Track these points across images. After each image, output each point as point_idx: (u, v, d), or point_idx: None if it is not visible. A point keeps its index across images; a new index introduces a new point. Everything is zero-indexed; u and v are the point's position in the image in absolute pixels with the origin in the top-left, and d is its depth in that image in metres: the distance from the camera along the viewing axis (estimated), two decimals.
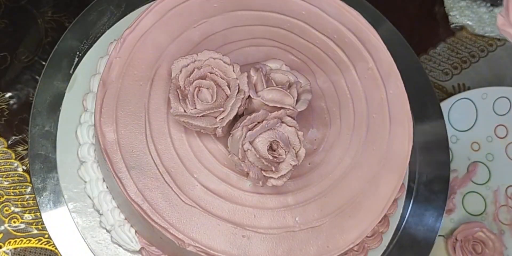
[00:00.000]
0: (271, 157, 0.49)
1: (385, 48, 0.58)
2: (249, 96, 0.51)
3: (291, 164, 0.49)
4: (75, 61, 0.64)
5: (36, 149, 0.62)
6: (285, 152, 0.50)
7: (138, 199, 0.50)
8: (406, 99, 0.58)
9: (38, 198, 0.61)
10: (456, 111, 0.77)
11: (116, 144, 0.51)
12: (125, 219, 0.58)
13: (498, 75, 0.81)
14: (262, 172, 0.49)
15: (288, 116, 0.50)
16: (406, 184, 0.67)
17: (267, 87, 0.51)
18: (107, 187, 0.59)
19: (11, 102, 0.71)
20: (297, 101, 0.52)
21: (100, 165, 0.59)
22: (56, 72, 0.64)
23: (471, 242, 0.71)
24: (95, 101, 0.53)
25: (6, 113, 0.70)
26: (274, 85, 0.52)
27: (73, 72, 0.63)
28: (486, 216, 0.75)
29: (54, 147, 0.61)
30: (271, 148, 0.50)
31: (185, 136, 0.53)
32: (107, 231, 0.59)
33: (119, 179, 0.50)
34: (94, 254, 0.59)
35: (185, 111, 0.50)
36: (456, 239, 0.71)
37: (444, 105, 0.76)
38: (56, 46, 0.64)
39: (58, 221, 0.60)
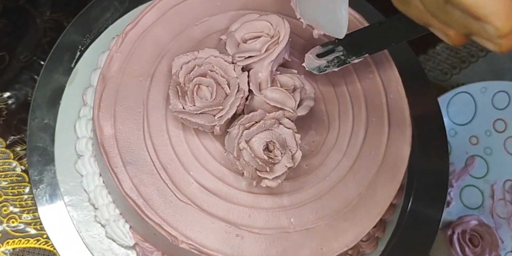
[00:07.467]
0: (266, 158, 0.49)
1: (387, 52, 0.58)
2: (248, 95, 0.51)
3: (286, 166, 0.49)
4: (77, 55, 0.64)
5: (35, 142, 0.62)
6: (281, 153, 0.49)
7: (133, 194, 0.50)
8: (406, 104, 0.58)
9: (34, 190, 0.61)
10: (455, 104, 0.77)
11: (113, 138, 0.52)
12: (120, 214, 0.58)
13: (497, 74, 0.81)
14: (257, 172, 0.49)
15: (287, 118, 0.50)
16: (405, 182, 0.67)
17: (271, 86, 0.51)
18: (103, 181, 0.59)
19: (10, 102, 0.71)
20: (298, 105, 0.52)
21: (97, 159, 0.59)
22: (58, 65, 0.64)
23: (468, 235, 0.72)
24: (94, 95, 0.53)
25: (4, 113, 0.70)
26: (279, 86, 0.52)
27: (75, 66, 0.64)
28: (483, 209, 0.75)
29: (53, 140, 0.62)
30: (267, 149, 0.50)
31: (183, 133, 0.53)
32: (102, 225, 0.59)
33: (115, 173, 0.51)
34: (88, 248, 0.59)
35: (184, 108, 0.50)
36: (453, 232, 0.71)
37: (443, 99, 0.76)
38: (58, 40, 0.65)
39: (53, 214, 0.60)
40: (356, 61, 0.53)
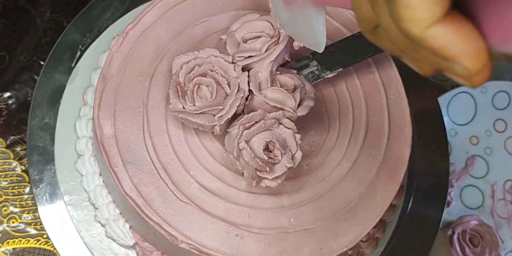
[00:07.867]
0: (266, 158, 0.49)
1: (387, 53, 0.58)
2: (248, 95, 0.51)
3: (286, 166, 0.49)
4: (77, 55, 0.64)
5: (35, 141, 0.62)
6: (281, 153, 0.49)
7: (133, 194, 0.50)
8: (406, 104, 0.58)
9: (34, 190, 0.61)
10: (455, 104, 0.77)
11: (113, 138, 0.52)
12: (120, 214, 0.58)
13: (496, 73, 0.81)
14: (257, 172, 0.49)
15: (287, 118, 0.50)
16: (405, 182, 0.67)
17: (271, 86, 0.51)
18: (103, 181, 0.59)
19: (10, 102, 0.71)
20: (298, 105, 0.51)
21: (97, 159, 0.59)
22: (58, 65, 0.64)
23: (468, 235, 0.72)
24: (94, 95, 0.53)
25: (4, 113, 0.70)
26: (279, 86, 0.52)
27: (75, 65, 0.64)
28: (483, 209, 0.75)
29: (53, 140, 0.62)
30: (267, 149, 0.50)
31: (183, 133, 0.53)
32: (102, 225, 0.59)
33: (115, 173, 0.51)
34: (88, 248, 0.59)
35: (183, 108, 0.50)
36: (453, 232, 0.71)
37: (443, 99, 0.76)
38: (58, 40, 0.65)
39: (53, 213, 0.60)
40: (330, 75, 0.54)
